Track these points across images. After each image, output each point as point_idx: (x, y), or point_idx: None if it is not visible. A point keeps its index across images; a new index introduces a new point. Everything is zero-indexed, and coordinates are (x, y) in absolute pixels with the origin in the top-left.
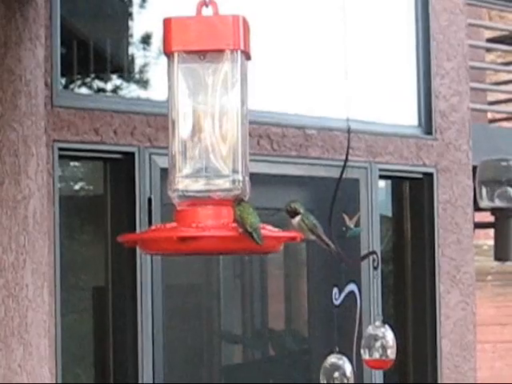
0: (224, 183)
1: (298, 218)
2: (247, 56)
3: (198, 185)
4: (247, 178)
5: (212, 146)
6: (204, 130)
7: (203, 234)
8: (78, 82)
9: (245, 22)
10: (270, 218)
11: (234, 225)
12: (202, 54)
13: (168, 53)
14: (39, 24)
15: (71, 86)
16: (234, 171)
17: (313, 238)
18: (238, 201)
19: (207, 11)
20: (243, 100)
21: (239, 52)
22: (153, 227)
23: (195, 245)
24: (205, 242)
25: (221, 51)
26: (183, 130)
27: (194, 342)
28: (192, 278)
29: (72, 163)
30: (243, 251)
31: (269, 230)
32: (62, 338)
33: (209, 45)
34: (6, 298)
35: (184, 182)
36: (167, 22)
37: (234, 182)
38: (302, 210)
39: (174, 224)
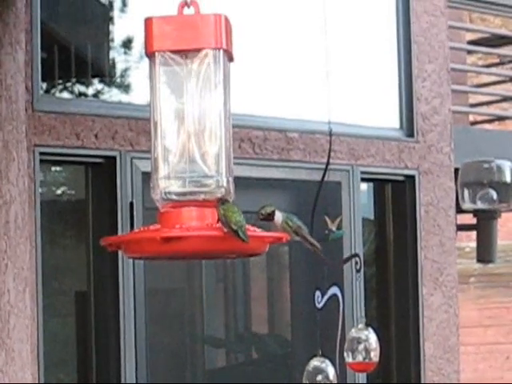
0: (208, 184)
1: (280, 220)
2: (230, 56)
3: (181, 186)
4: (231, 179)
5: (195, 147)
6: (187, 131)
7: (187, 234)
8: (59, 87)
9: (227, 21)
10: (253, 222)
11: (219, 225)
12: (183, 54)
13: (149, 53)
14: (19, 29)
15: (52, 91)
16: (218, 172)
17: (297, 238)
18: (221, 201)
19: (188, 11)
20: (226, 100)
21: (221, 51)
22: (136, 230)
23: (179, 246)
24: (189, 242)
25: (202, 50)
26: (165, 131)
27: (177, 346)
28: (175, 282)
29: (53, 168)
30: (228, 252)
31: (253, 231)
32: (44, 342)
33: (190, 44)
34: None
35: (167, 184)
36: (148, 22)
37: (217, 183)
38: (276, 211)
39: (157, 226)
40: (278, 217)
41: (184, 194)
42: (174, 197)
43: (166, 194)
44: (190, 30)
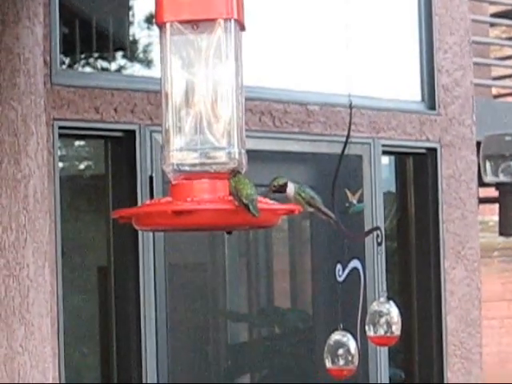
0: (219, 156)
1: (293, 191)
2: (241, 26)
3: (193, 158)
4: (243, 151)
5: (207, 119)
6: (198, 102)
7: (198, 208)
8: (78, 60)
9: None
10: (266, 194)
11: (231, 198)
12: (194, 24)
13: (160, 23)
14: (37, 2)
15: (71, 64)
16: (230, 144)
17: (311, 210)
18: (233, 173)
19: None
20: (238, 71)
21: (232, 21)
22: (147, 202)
23: (190, 219)
24: (200, 215)
25: (214, 20)
26: (177, 102)
27: (199, 321)
28: (196, 256)
29: (72, 142)
30: (240, 225)
31: (265, 203)
32: (65, 317)
33: (201, 14)
34: (6, 278)
35: (178, 156)
36: None
37: (229, 154)
38: (289, 182)
39: (168, 198)
40: (291, 188)
41: (195, 165)
42: (186, 168)
43: (177, 165)
44: (201, 1)
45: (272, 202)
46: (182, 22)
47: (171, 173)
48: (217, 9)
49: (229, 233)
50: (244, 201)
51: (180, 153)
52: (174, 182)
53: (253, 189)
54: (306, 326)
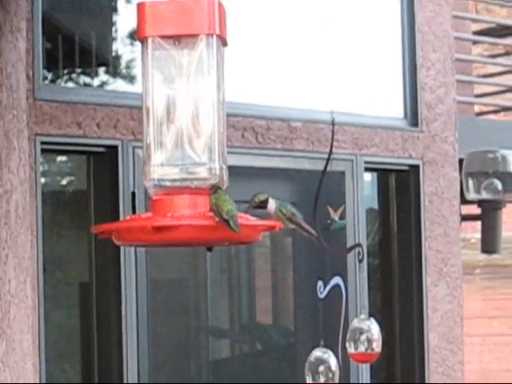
0: (200, 172)
1: (274, 207)
2: (224, 41)
3: (174, 173)
4: (224, 167)
5: (188, 134)
6: (179, 117)
7: (178, 223)
8: (61, 76)
9: (220, 5)
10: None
11: (211, 214)
12: (176, 39)
13: (142, 38)
14: (20, 17)
15: (53, 80)
16: (211, 159)
17: (292, 226)
18: (214, 189)
19: None
20: (219, 87)
21: (215, 37)
22: (127, 217)
23: (171, 235)
24: (180, 231)
25: (195, 36)
26: (158, 117)
27: (181, 336)
28: (178, 272)
29: (55, 157)
30: (220, 241)
31: (246, 219)
32: (47, 333)
33: (183, 29)
34: None
35: (159, 171)
36: (141, 7)
37: (210, 170)
38: (270, 198)
39: (149, 214)
40: (272, 204)
41: (176, 181)
42: (166, 184)
43: (158, 181)
44: (183, 15)
45: (253, 218)
46: (163, 37)
47: (152, 188)
48: (199, 24)
49: (209, 249)
50: (224, 217)
51: (161, 168)
52: (154, 198)
53: (233, 205)
54: (288, 343)
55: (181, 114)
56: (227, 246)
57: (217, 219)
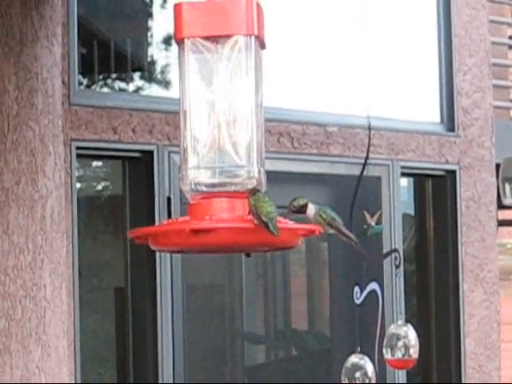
0: (238, 175)
1: (313, 212)
2: (261, 43)
3: (211, 177)
4: (263, 170)
5: (225, 137)
6: (217, 120)
7: (216, 226)
8: (96, 81)
9: (258, 6)
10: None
11: (250, 217)
12: (213, 40)
13: (179, 39)
14: (56, 22)
15: (89, 85)
16: (249, 162)
17: (332, 231)
18: (253, 192)
19: None
20: (258, 89)
21: (253, 37)
22: (164, 222)
23: (208, 238)
24: (218, 235)
25: (233, 37)
26: (195, 120)
27: (216, 342)
28: (214, 278)
29: (90, 162)
30: (259, 245)
31: (285, 223)
32: (83, 338)
33: (221, 30)
34: (23, 299)
35: (197, 175)
36: (178, 8)
37: (248, 173)
38: (309, 203)
39: (186, 218)
40: (311, 209)
41: (214, 184)
42: (203, 188)
43: (195, 185)
44: (221, 16)
45: (292, 222)
46: (201, 39)
47: (189, 192)
48: (237, 24)
49: (247, 255)
50: (263, 219)
51: (198, 172)
52: (191, 202)
53: (273, 207)
54: (324, 349)
55: (218, 116)
56: (266, 251)
57: (256, 222)
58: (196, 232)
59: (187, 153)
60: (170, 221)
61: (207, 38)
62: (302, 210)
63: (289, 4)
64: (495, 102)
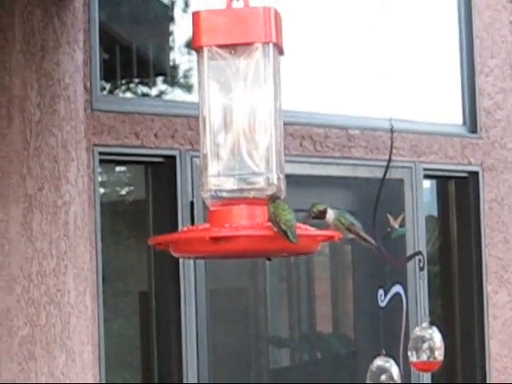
0: (258, 182)
1: (332, 217)
2: (280, 50)
3: (231, 184)
4: (282, 176)
5: (245, 144)
6: (236, 127)
7: (236, 234)
8: (118, 86)
9: (276, 14)
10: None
11: (269, 224)
12: (232, 48)
13: (197, 47)
14: (77, 28)
15: (111, 90)
16: (268, 169)
17: (351, 236)
18: (272, 199)
19: (237, 5)
20: (276, 95)
21: (271, 45)
22: (184, 228)
23: (228, 246)
24: (238, 242)
25: (252, 44)
26: (214, 127)
27: (240, 345)
28: (238, 281)
29: (113, 168)
30: (279, 251)
31: (304, 229)
32: (108, 343)
33: (239, 38)
34: (47, 305)
35: (216, 182)
36: (196, 16)
37: (267, 180)
38: (328, 208)
39: (206, 225)
40: (330, 214)
41: (234, 191)
42: (223, 195)
43: (215, 191)
44: (239, 24)
45: (311, 228)
46: (219, 46)
47: (209, 199)
48: (255, 32)
49: (269, 259)
50: (282, 227)
51: (218, 178)
52: (211, 209)
53: (292, 214)
54: (348, 352)
55: (237, 123)
56: (286, 257)
57: (275, 229)
58: (216, 240)
59: (207, 159)
60: (191, 228)
61: (225, 46)
62: (322, 215)
63: (311, 7)
64: None
